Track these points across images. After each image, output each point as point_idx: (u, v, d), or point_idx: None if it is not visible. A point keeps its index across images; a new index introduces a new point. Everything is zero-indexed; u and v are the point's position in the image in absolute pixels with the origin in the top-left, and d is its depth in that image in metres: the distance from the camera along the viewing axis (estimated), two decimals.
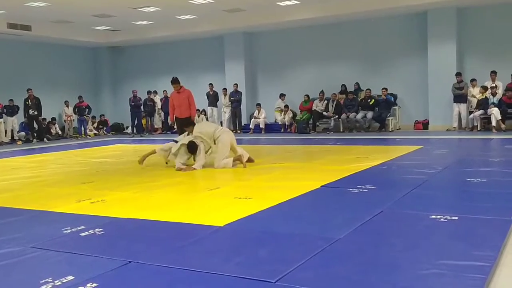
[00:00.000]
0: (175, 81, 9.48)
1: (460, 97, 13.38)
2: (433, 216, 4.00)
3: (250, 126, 16.06)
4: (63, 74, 18.55)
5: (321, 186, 5.60)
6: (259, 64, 17.28)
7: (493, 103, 12.76)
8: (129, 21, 16.20)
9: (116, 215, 4.56)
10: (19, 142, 15.53)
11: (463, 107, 13.44)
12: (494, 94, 12.88)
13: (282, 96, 16.18)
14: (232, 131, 15.95)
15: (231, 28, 16.31)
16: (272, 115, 16.51)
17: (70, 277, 2.92)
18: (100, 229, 4.04)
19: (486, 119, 12.96)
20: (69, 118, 17.70)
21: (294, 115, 15.74)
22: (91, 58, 19.85)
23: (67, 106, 17.64)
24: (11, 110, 15.82)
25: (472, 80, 13.38)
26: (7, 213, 4.91)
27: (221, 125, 16.54)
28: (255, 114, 16.26)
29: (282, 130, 15.91)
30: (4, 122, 15.66)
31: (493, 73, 13.11)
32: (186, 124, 8.35)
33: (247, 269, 2.99)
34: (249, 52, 17.24)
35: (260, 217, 4.32)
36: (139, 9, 14.38)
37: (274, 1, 13.88)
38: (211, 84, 16.97)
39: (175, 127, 10.09)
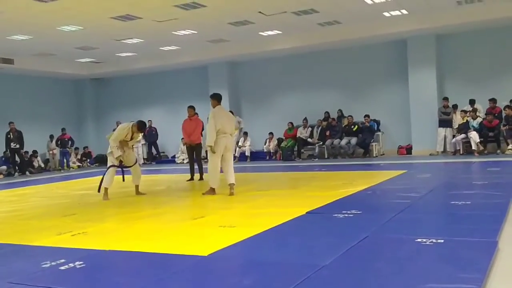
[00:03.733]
0: (190, 107, 10.59)
1: (446, 122, 13.57)
2: (419, 240, 3.97)
3: (236, 155, 16.01)
4: (45, 106, 18.42)
5: (306, 212, 5.56)
6: (243, 93, 17.39)
7: (473, 127, 12.95)
8: (112, 53, 16.25)
9: (97, 247, 4.44)
10: (0, 176, 15.26)
11: (449, 132, 13.62)
12: (474, 118, 13.08)
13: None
14: None
15: (215, 58, 16.45)
16: (257, 143, 16.52)
17: None
18: (81, 262, 3.92)
19: (468, 143, 13.12)
20: (53, 152, 17.49)
21: (279, 142, 15.78)
22: (74, 90, 19.78)
23: (51, 140, 17.49)
24: None
25: (454, 107, 13.60)
26: None
27: (206, 155, 16.54)
28: (240, 143, 16.27)
29: (268, 158, 15.93)
30: None
31: (472, 102, 13.39)
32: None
33: None
34: (233, 81, 17.37)
35: (245, 245, 4.25)
36: (123, 41, 14.45)
37: (256, 32, 14.08)
38: (196, 114, 16.94)
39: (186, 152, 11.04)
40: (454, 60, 14.20)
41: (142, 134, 17.46)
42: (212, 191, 7.68)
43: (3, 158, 16.11)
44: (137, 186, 8.40)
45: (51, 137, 17.45)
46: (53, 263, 3.93)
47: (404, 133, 14.73)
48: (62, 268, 3.81)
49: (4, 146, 15.68)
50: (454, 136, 13.49)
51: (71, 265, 3.86)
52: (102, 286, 3.28)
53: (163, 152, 18.49)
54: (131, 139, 8.12)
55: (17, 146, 15.41)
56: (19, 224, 6.16)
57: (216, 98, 7.92)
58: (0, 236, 5.32)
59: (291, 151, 15.27)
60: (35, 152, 17.03)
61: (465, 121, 13.16)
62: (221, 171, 7.73)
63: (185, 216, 6.22)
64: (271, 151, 15.90)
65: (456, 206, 5.51)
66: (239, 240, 4.38)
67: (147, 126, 17.59)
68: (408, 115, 14.49)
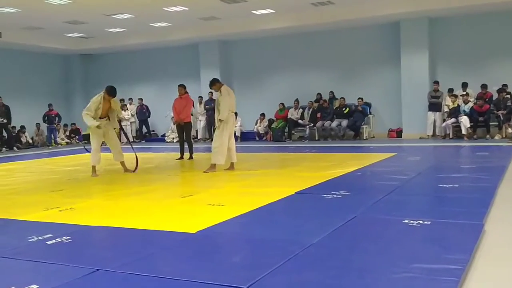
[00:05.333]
0: (180, 86, 10.61)
1: (435, 106, 13.58)
2: (406, 221, 4.01)
3: None
4: (33, 81, 18.12)
5: (295, 193, 5.57)
6: (234, 73, 17.25)
7: (464, 111, 13.00)
8: (102, 28, 15.98)
9: (85, 223, 4.42)
10: None
11: (438, 116, 13.65)
12: (466, 102, 13.10)
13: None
14: (208, 139, 15.97)
15: (206, 36, 16.26)
16: (247, 123, 16.48)
17: (33, 286, 2.81)
18: (68, 237, 3.91)
19: (458, 127, 13.18)
20: (39, 138, 17.32)
21: (270, 123, 15.75)
22: (63, 66, 19.46)
23: (38, 128, 17.32)
24: None
25: (450, 91, 13.56)
26: None
27: (196, 134, 16.49)
28: None
29: (258, 138, 15.91)
30: None
31: (464, 85, 13.38)
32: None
33: (219, 275, 2.93)
34: (225, 60, 17.21)
35: (233, 224, 4.25)
36: (113, 16, 14.21)
37: (249, 10, 13.90)
38: (187, 92, 16.82)
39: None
40: (446, 44, 14.17)
41: (132, 113, 17.42)
42: (213, 167, 7.65)
43: None
44: (123, 163, 8.33)
45: (38, 125, 17.24)
46: (40, 238, 3.92)
47: (395, 116, 14.75)
48: (49, 242, 3.79)
49: None
50: (444, 120, 13.53)
51: (58, 240, 3.85)
52: (89, 261, 3.27)
53: (153, 131, 18.39)
54: (108, 109, 7.92)
55: (5, 121, 15.20)
56: (6, 198, 6.11)
57: (219, 81, 8.12)
58: None
59: (282, 132, 15.25)
60: (23, 127, 16.83)
61: (456, 105, 13.19)
62: None
63: (174, 194, 6.20)
64: (261, 132, 15.87)
65: (444, 189, 5.56)
66: (227, 218, 4.38)
67: (138, 104, 17.52)
68: (399, 99, 14.49)
